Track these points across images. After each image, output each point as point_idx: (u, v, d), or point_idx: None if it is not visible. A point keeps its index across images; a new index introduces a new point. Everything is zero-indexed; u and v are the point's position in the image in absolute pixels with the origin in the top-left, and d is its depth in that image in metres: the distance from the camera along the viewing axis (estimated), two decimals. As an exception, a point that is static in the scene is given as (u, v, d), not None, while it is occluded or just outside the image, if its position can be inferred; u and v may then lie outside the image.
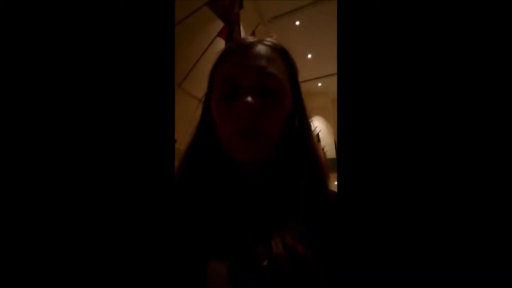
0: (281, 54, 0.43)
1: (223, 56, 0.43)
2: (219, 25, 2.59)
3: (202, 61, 2.63)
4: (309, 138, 0.44)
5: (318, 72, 7.21)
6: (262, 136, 0.38)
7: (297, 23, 5.60)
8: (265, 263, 0.32)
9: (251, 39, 0.43)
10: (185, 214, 0.38)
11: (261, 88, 0.38)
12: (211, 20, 2.79)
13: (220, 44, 2.57)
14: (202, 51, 2.69)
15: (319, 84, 7.89)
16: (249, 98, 0.36)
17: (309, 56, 6.42)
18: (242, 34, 2.86)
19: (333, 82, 7.59)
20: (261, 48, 0.41)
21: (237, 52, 0.41)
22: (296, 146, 0.42)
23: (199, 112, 0.47)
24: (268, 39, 0.44)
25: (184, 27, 2.34)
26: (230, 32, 2.44)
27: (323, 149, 6.13)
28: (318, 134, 6.44)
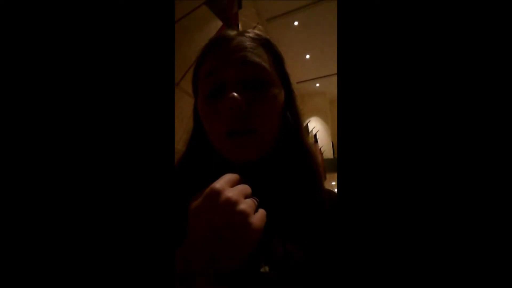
0: (264, 44, 0.40)
1: (204, 53, 0.40)
2: (218, 24, 2.58)
3: (200, 60, 2.62)
4: (301, 132, 0.41)
5: (316, 73, 7.21)
6: (253, 134, 0.35)
7: (296, 23, 5.61)
8: (265, 269, 0.32)
9: (231, 32, 0.40)
10: (184, 217, 0.38)
11: (248, 81, 0.35)
12: (210, 19, 2.78)
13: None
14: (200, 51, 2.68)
15: (317, 85, 7.89)
16: (235, 94, 0.33)
17: (308, 56, 6.43)
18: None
19: (331, 83, 7.61)
20: (242, 40, 0.38)
21: (217, 47, 0.38)
22: (291, 142, 0.40)
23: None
24: (250, 30, 0.41)
25: (182, 26, 2.34)
26: (228, 31, 2.43)
27: (320, 149, 6.13)
28: (315, 134, 6.45)
